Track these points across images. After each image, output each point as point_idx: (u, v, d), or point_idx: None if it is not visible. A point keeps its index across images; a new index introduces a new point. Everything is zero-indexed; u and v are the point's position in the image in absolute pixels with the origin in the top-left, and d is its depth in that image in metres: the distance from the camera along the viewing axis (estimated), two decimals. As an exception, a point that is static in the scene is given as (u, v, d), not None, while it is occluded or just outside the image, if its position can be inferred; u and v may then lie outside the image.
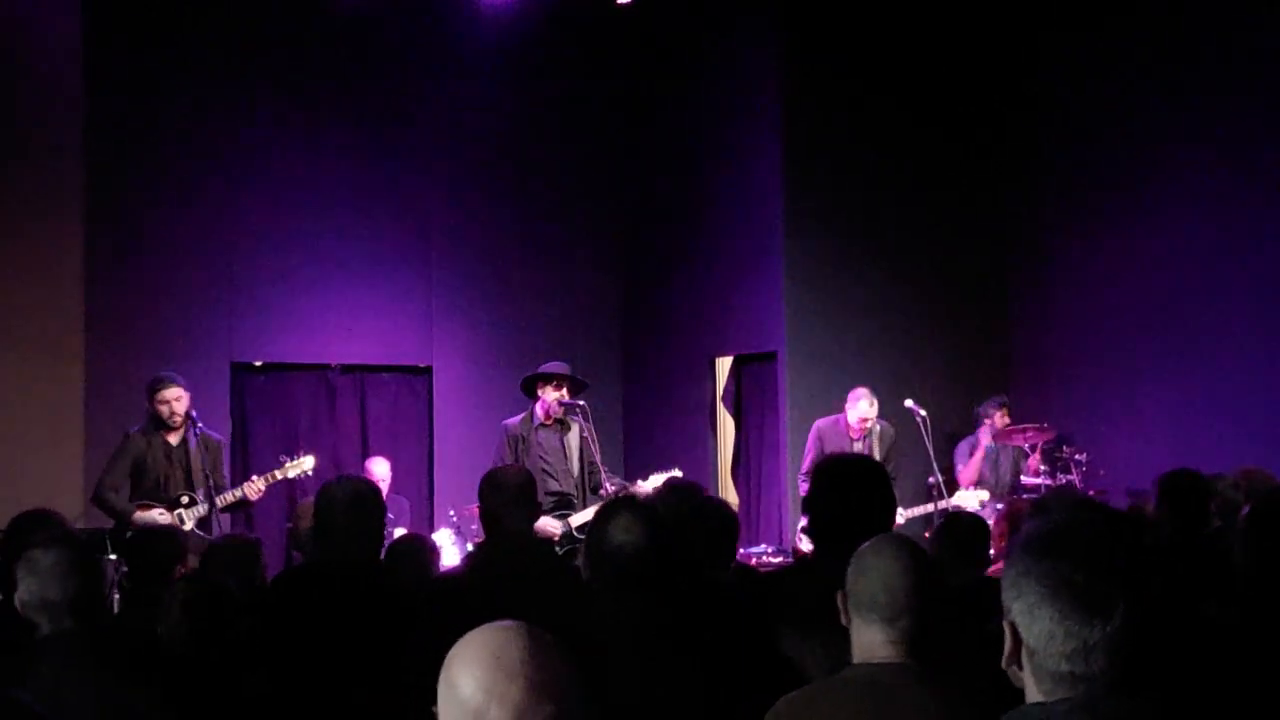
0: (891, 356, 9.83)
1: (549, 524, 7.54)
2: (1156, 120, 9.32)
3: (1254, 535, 3.43)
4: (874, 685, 2.68)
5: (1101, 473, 8.87)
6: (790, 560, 8.22)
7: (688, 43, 10.83)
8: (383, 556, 5.65)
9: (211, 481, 7.33)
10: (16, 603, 3.25)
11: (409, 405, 10.79)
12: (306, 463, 7.79)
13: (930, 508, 8.66)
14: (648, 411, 11.14)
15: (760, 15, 10.11)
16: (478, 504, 4.63)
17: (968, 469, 9.32)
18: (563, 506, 7.86)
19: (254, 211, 10.09)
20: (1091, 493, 8.39)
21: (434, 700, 1.90)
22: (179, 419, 7.38)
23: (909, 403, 8.97)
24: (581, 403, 8.07)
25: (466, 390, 10.64)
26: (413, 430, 10.75)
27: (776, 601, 3.64)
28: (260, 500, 7.77)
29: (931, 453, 8.79)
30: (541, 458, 7.89)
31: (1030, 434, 9.17)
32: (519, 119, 10.97)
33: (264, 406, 10.28)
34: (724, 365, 10.76)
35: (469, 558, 5.35)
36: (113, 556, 6.13)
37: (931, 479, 8.79)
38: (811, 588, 3.23)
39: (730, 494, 10.52)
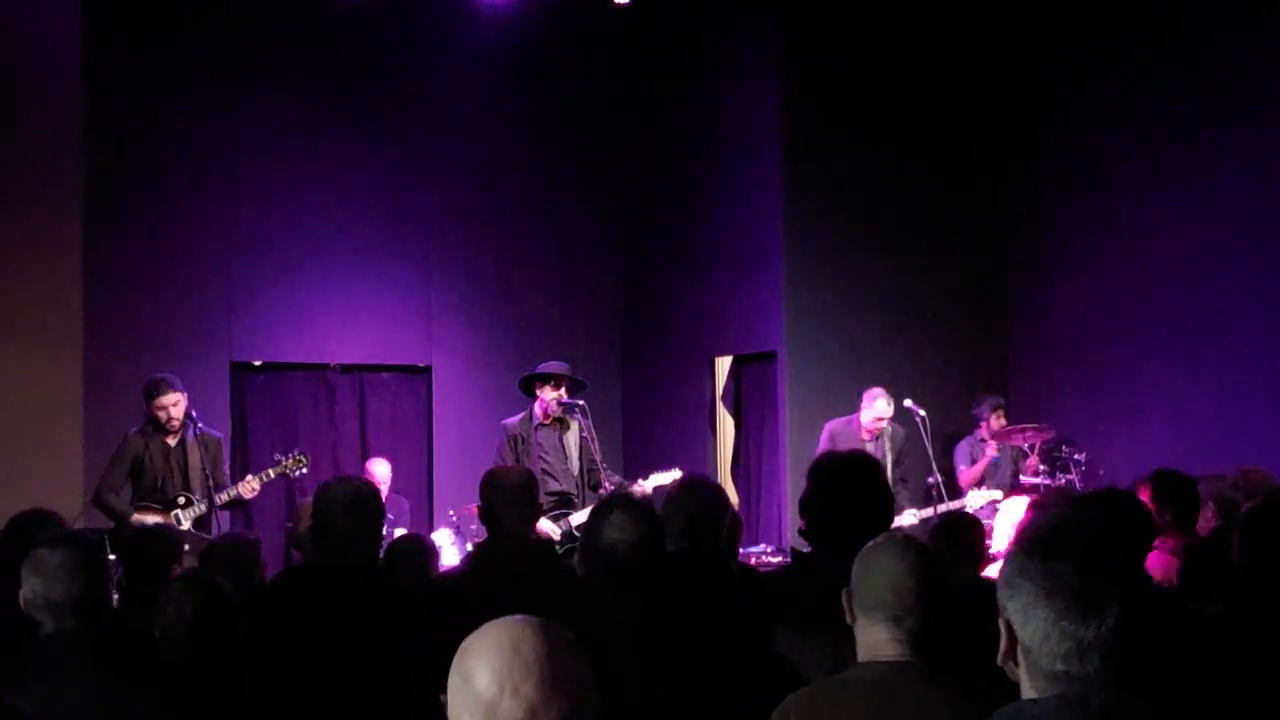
0: (891, 356, 9.82)
1: (548, 527, 7.53)
2: (1156, 120, 9.32)
3: (1253, 535, 3.44)
4: (880, 684, 2.69)
5: (1101, 472, 8.86)
6: (789, 560, 8.21)
7: (687, 42, 10.82)
8: (382, 557, 5.67)
9: (212, 480, 7.35)
10: (20, 601, 3.25)
11: (408, 405, 10.79)
12: (302, 461, 7.79)
13: (931, 511, 8.63)
14: (647, 411, 11.14)
15: (760, 15, 10.11)
16: (478, 504, 4.64)
17: (970, 473, 9.30)
18: (563, 506, 7.86)
19: (253, 211, 10.10)
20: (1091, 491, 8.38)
21: (434, 700, 1.90)
22: (176, 423, 7.42)
23: (908, 403, 8.97)
24: (581, 402, 8.07)
25: (466, 390, 10.64)
26: (412, 430, 10.75)
27: (776, 601, 3.65)
28: (260, 500, 7.78)
29: (931, 453, 8.79)
30: (541, 457, 7.90)
31: (1029, 434, 9.17)
32: (518, 119, 10.97)
33: (263, 406, 10.29)
34: (723, 365, 10.76)
35: (468, 558, 5.35)
36: (113, 557, 6.13)
37: (931, 479, 8.78)
38: (811, 587, 3.24)
39: (730, 494, 10.52)
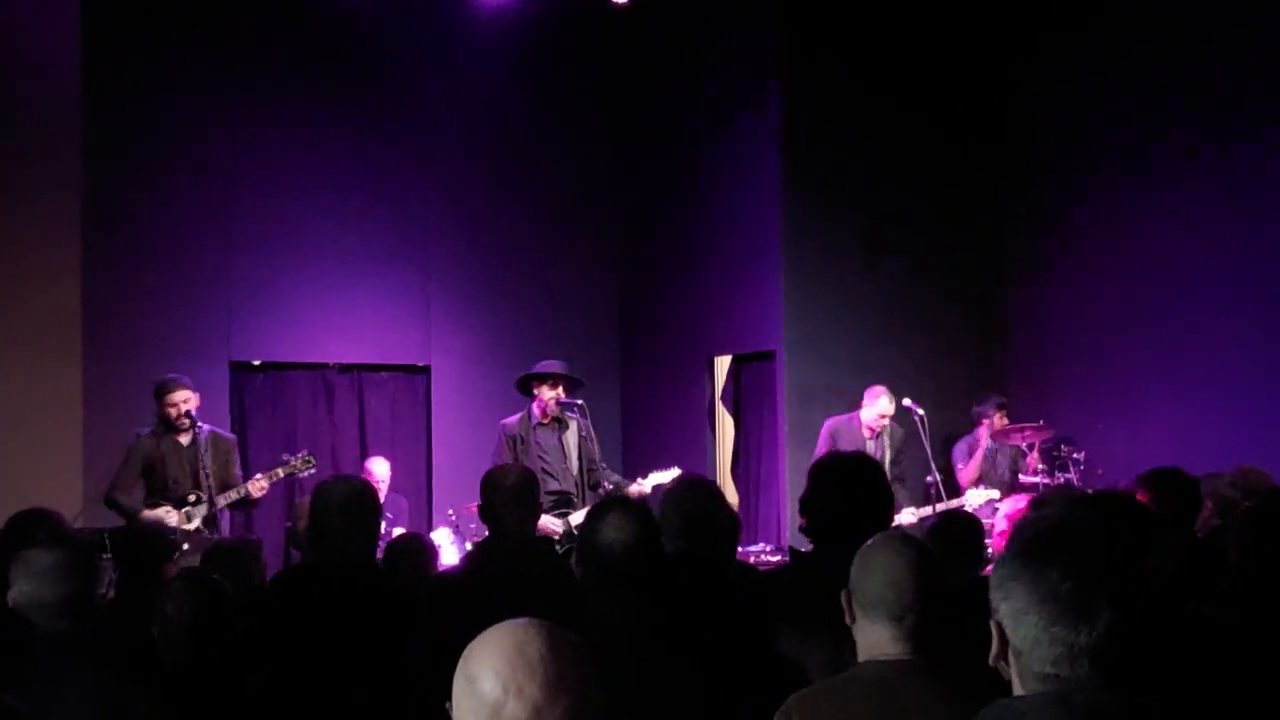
0: (890, 355, 9.83)
1: (550, 523, 7.55)
2: (1156, 120, 9.32)
3: (1251, 535, 3.44)
4: (881, 683, 2.69)
5: (1100, 471, 8.86)
6: (787, 559, 8.21)
7: (686, 42, 10.82)
8: (381, 556, 5.67)
9: (210, 480, 7.38)
10: (10, 602, 3.25)
11: (407, 404, 10.79)
12: (310, 461, 7.82)
13: (930, 510, 8.64)
14: (646, 410, 11.14)
15: (759, 14, 10.11)
16: (479, 503, 4.64)
17: (968, 469, 9.32)
18: (562, 505, 7.86)
19: (252, 210, 10.09)
20: (1090, 492, 8.39)
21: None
22: (186, 421, 7.47)
23: (907, 401, 8.98)
24: (580, 401, 8.07)
25: (465, 389, 10.64)
26: (411, 429, 10.75)
27: (776, 600, 3.65)
28: (260, 499, 7.80)
29: (929, 452, 8.79)
30: (540, 457, 7.90)
31: (1028, 433, 9.17)
32: (517, 118, 10.97)
33: (263, 405, 10.29)
34: (723, 364, 10.76)
35: (468, 557, 5.35)
36: (107, 556, 6.15)
37: (930, 478, 8.79)
38: (811, 586, 3.24)
39: (729, 493, 10.53)
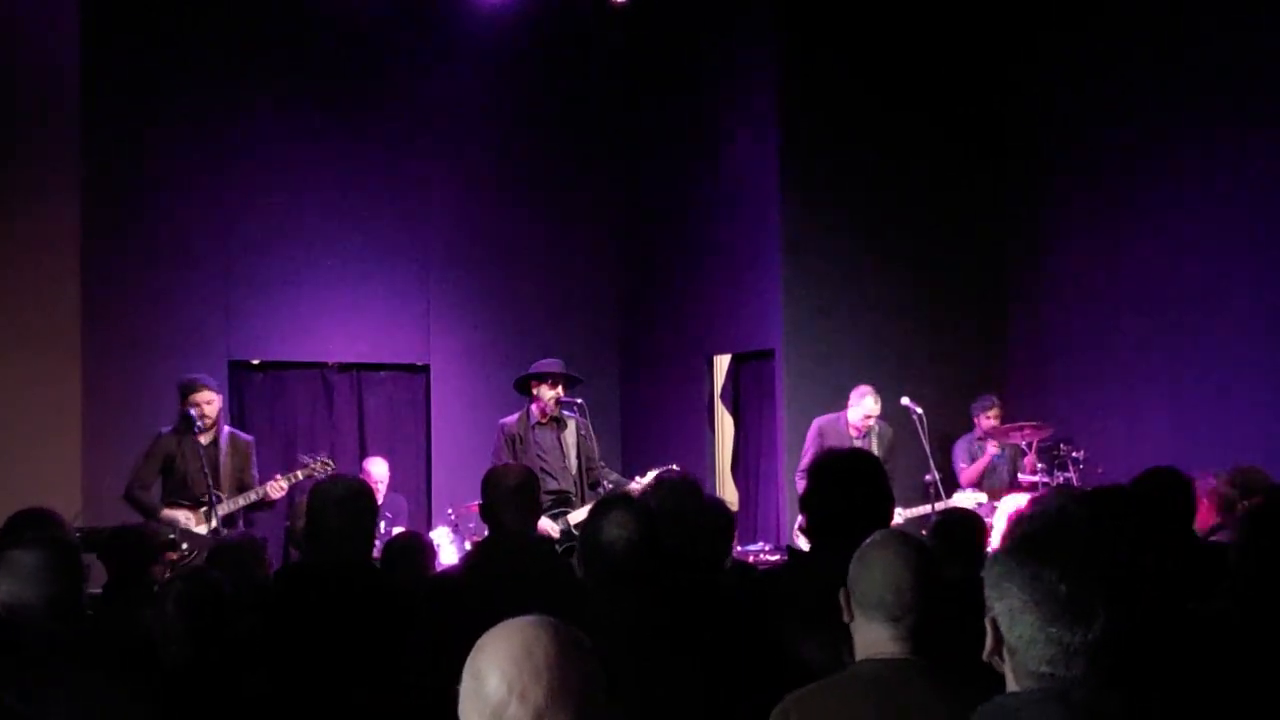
0: (889, 354, 9.83)
1: (546, 525, 7.53)
2: (1155, 119, 9.31)
3: (1252, 534, 3.44)
4: (879, 682, 2.68)
5: (1099, 470, 8.85)
6: (786, 557, 8.20)
7: (685, 42, 10.82)
8: (379, 555, 5.67)
9: (213, 481, 7.43)
10: None
11: (406, 404, 10.79)
12: (329, 465, 7.88)
13: (927, 508, 8.65)
14: (646, 409, 11.14)
15: (758, 13, 10.11)
16: (478, 502, 4.64)
17: (969, 471, 9.30)
18: (561, 505, 7.85)
19: (252, 210, 10.09)
20: (1088, 490, 8.37)
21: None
22: (209, 421, 7.58)
23: (905, 400, 8.98)
24: (579, 400, 8.07)
25: (464, 389, 10.64)
26: (410, 429, 10.75)
27: (776, 599, 3.64)
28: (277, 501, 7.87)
29: (928, 450, 8.79)
30: (539, 456, 7.89)
31: (1027, 432, 9.17)
32: (517, 117, 10.97)
33: (262, 405, 10.29)
34: (722, 363, 10.76)
35: (468, 556, 5.34)
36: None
37: (928, 476, 8.78)
38: (811, 585, 3.23)
39: (729, 491, 10.53)
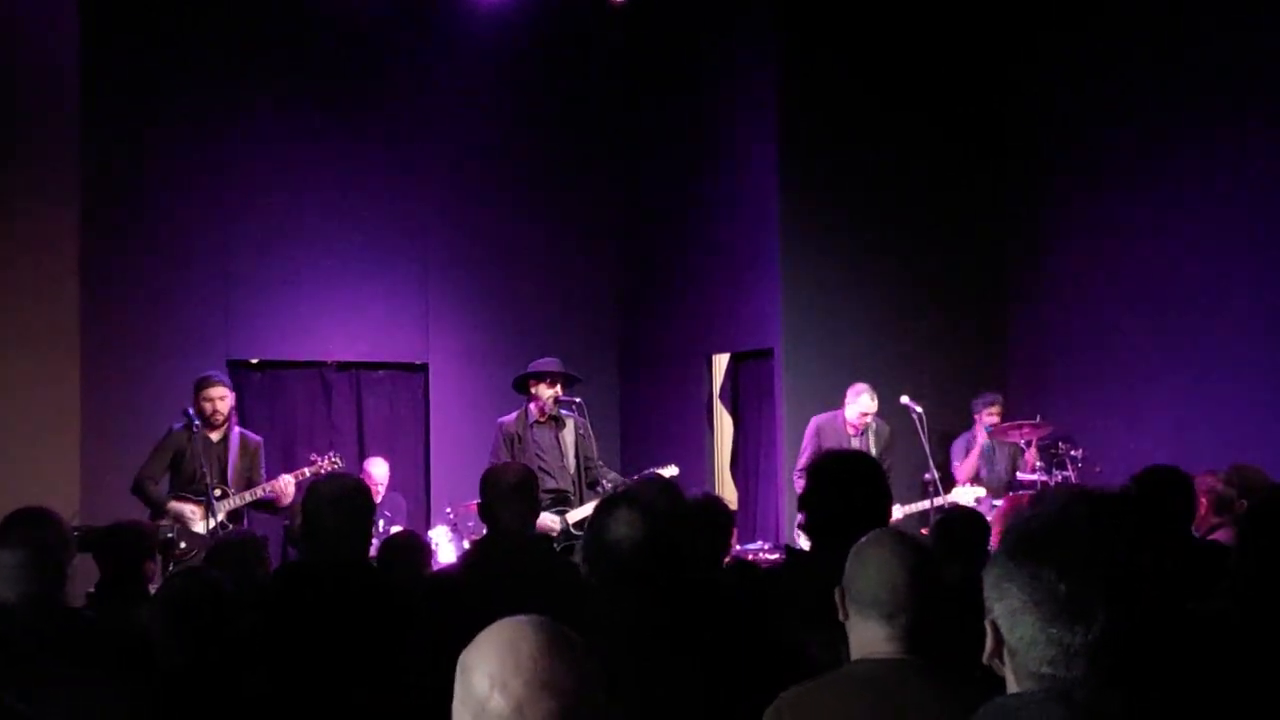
0: (887, 353, 9.84)
1: (548, 520, 7.53)
2: (1155, 119, 9.31)
3: (1252, 533, 3.44)
4: (874, 681, 2.67)
5: (1098, 469, 8.86)
6: (785, 556, 8.20)
7: (684, 41, 10.82)
8: (375, 554, 5.67)
9: (218, 478, 7.52)
10: None
11: (405, 403, 10.79)
12: (337, 463, 7.92)
13: (926, 504, 8.67)
14: (645, 408, 11.14)
15: (757, 13, 10.10)
16: (478, 500, 4.63)
17: (964, 465, 9.34)
18: (559, 504, 7.85)
19: (250, 209, 10.09)
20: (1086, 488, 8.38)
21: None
22: (220, 417, 7.66)
23: (905, 399, 8.99)
24: (578, 400, 8.06)
25: (463, 388, 10.64)
26: (409, 428, 10.75)
27: (776, 599, 3.64)
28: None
29: (927, 449, 8.80)
30: (537, 455, 7.88)
31: (1026, 430, 9.18)
32: (516, 117, 10.97)
33: (261, 404, 10.28)
34: (721, 362, 10.76)
35: (466, 555, 5.34)
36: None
37: (927, 475, 8.79)
38: (810, 585, 3.23)
39: (728, 490, 10.53)
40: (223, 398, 7.69)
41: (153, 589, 4.93)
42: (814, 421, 9.07)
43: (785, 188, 9.81)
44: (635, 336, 11.31)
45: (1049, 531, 1.91)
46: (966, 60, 10.24)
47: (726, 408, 10.75)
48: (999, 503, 8.54)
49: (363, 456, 10.05)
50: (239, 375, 10.14)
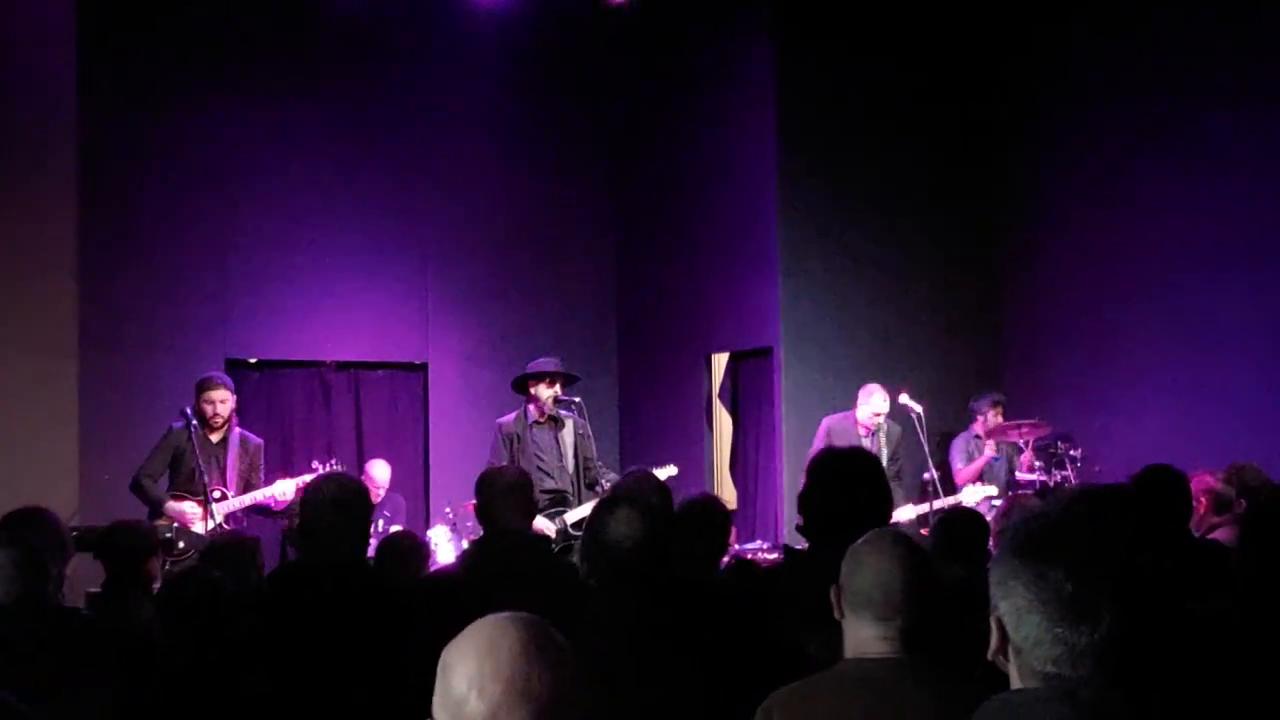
0: (887, 353, 9.84)
1: (543, 525, 7.51)
2: (1154, 116, 9.31)
3: (1252, 533, 3.43)
4: (867, 681, 2.66)
5: (1097, 468, 8.85)
6: (784, 556, 8.20)
7: (683, 40, 10.81)
8: (373, 554, 5.66)
9: (217, 479, 7.51)
10: None
11: (404, 402, 10.79)
12: (343, 468, 7.90)
13: (926, 506, 8.65)
14: (644, 408, 11.14)
15: (755, 14, 10.10)
16: (474, 501, 4.63)
17: (967, 471, 9.29)
18: (558, 504, 7.84)
19: (249, 208, 10.08)
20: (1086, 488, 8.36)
21: (431, 699, 1.91)
22: (221, 419, 7.66)
23: (904, 399, 8.98)
24: (578, 400, 8.05)
25: (462, 387, 10.63)
26: (408, 428, 10.75)
27: (775, 598, 3.63)
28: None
29: (927, 449, 8.79)
30: (536, 455, 7.87)
31: (1025, 430, 9.17)
32: (515, 116, 10.96)
33: (259, 404, 10.26)
34: (720, 361, 10.75)
35: (465, 555, 5.34)
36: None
37: (927, 475, 8.78)
38: (809, 584, 3.23)
39: (727, 490, 10.53)
40: (223, 400, 7.68)
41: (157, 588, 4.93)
42: (825, 422, 9.05)
43: (784, 186, 9.80)
44: (634, 336, 11.30)
45: (1054, 531, 1.90)
46: (963, 60, 10.24)
47: (726, 407, 10.75)
48: (999, 503, 8.54)
49: (361, 456, 10.05)
50: (237, 375, 10.11)
